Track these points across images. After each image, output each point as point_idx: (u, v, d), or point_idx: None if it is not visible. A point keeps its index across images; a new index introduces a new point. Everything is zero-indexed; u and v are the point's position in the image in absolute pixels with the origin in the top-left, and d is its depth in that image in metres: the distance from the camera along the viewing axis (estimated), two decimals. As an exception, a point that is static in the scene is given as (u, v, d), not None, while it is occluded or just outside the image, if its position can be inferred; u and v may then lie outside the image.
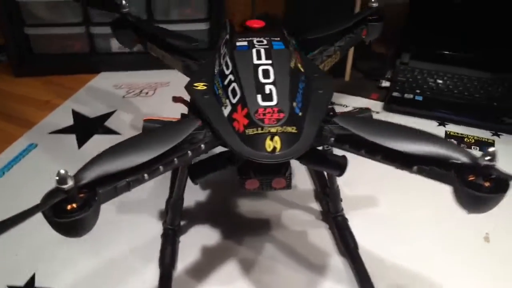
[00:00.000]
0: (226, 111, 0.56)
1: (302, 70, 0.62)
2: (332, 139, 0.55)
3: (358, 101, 1.25)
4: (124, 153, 0.45)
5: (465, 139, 1.10)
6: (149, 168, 0.48)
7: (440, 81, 1.23)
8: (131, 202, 0.92)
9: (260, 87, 0.55)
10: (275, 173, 0.61)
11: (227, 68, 0.60)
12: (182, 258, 0.81)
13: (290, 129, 0.52)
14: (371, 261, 0.79)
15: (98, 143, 1.09)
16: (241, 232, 0.87)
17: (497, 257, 0.82)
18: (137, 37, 0.88)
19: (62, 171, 0.40)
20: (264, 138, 0.51)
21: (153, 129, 0.55)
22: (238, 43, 0.63)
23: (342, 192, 0.85)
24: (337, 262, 0.81)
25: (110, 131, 1.14)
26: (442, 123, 1.16)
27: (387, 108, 1.21)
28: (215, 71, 0.63)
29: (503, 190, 0.43)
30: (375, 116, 1.16)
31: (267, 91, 0.55)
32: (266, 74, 0.57)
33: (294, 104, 0.55)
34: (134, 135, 0.50)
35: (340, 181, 0.80)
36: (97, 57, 1.39)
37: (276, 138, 0.51)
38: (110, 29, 0.88)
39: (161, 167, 0.49)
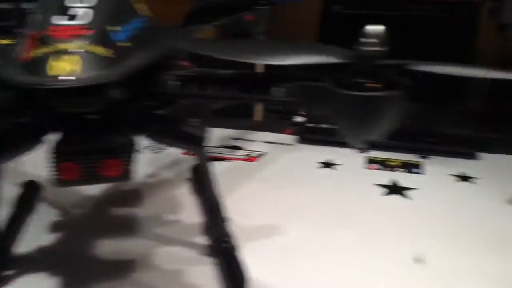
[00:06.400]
0: (17, 49, 0.44)
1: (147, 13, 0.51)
2: (178, 82, 0.47)
3: (270, 136, 1.11)
4: None
5: (389, 162, 0.93)
6: None
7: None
8: None
9: (63, 10, 0.42)
10: (104, 152, 0.45)
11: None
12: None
13: (98, 49, 0.40)
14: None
15: None
16: (94, 278, 0.61)
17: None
18: None
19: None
20: (48, 58, 0.39)
21: None
22: None
23: (236, 222, 0.64)
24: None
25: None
26: (363, 150, 0.99)
27: (302, 139, 1.08)
28: None
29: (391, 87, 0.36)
30: (289, 149, 1.01)
31: (72, 12, 0.42)
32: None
33: (117, 28, 0.43)
34: None
35: (232, 210, 0.64)
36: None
37: (72, 58, 0.39)
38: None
39: None
